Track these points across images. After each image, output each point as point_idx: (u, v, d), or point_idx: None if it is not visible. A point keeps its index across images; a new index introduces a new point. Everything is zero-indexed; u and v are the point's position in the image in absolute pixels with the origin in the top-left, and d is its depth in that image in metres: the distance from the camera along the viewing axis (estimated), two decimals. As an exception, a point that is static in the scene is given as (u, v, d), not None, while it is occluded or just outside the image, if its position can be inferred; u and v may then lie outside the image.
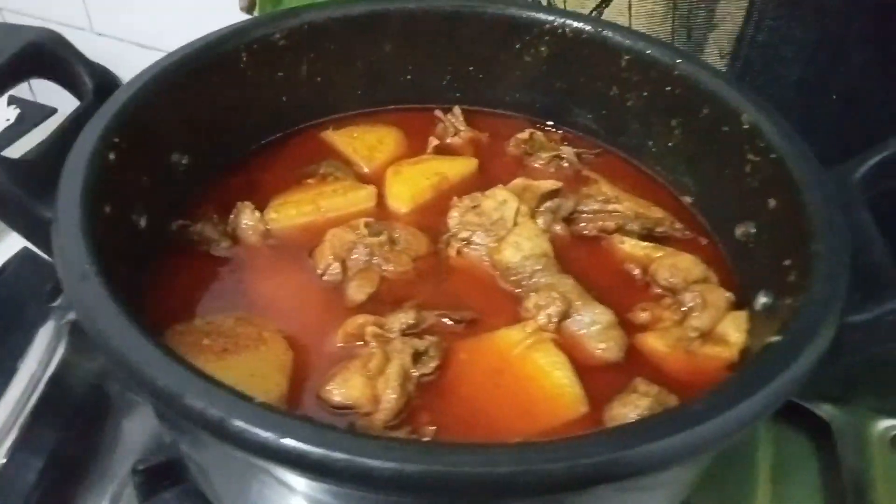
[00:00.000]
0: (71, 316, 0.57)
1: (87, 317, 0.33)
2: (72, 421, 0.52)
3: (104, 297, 0.33)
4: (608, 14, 0.70)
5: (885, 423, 0.57)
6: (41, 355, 0.54)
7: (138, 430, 0.55)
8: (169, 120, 0.49)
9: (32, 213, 0.42)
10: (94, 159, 0.40)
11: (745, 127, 0.48)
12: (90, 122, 0.42)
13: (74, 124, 0.46)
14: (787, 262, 0.42)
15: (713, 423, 0.29)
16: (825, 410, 0.56)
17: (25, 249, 0.62)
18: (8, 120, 0.98)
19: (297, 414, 0.37)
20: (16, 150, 0.93)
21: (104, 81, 0.49)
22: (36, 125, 0.99)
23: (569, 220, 0.54)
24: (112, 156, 0.42)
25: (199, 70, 0.51)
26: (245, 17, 0.92)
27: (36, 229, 0.42)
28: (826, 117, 0.68)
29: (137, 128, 0.45)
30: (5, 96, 1.00)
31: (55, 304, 0.59)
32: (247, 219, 0.51)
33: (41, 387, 0.52)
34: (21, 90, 1.09)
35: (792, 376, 0.31)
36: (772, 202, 0.46)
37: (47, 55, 0.47)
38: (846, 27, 0.64)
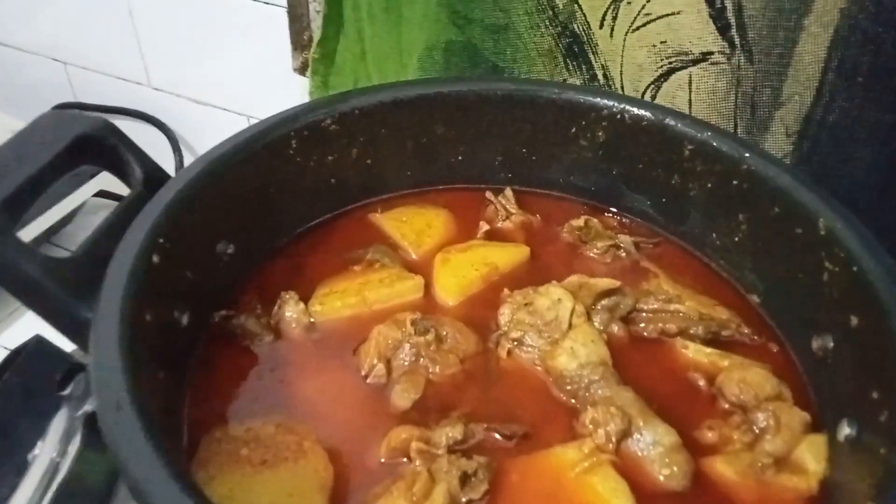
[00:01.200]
0: (87, 408, 0.55)
1: (119, 452, 0.31)
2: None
3: (137, 433, 0.31)
4: (667, 88, 0.68)
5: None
6: (54, 449, 0.52)
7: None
8: (216, 210, 0.48)
9: (73, 314, 0.41)
10: (137, 266, 0.39)
11: (822, 233, 0.45)
12: (134, 222, 0.42)
13: (120, 218, 0.45)
14: (875, 395, 0.38)
15: None
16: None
17: (38, 337, 0.61)
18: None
19: None
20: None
21: (153, 171, 0.48)
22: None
23: (626, 319, 0.51)
24: (156, 258, 0.41)
25: (248, 159, 0.50)
26: (296, 77, 0.92)
27: (76, 330, 0.41)
28: (902, 202, 0.65)
29: (183, 224, 0.44)
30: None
31: (66, 392, 0.58)
32: (290, 310, 0.50)
33: (56, 483, 0.50)
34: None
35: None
36: (854, 320, 0.42)
37: (100, 145, 0.47)
38: (924, 109, 0.61)
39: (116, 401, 0.32)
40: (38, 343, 0.64)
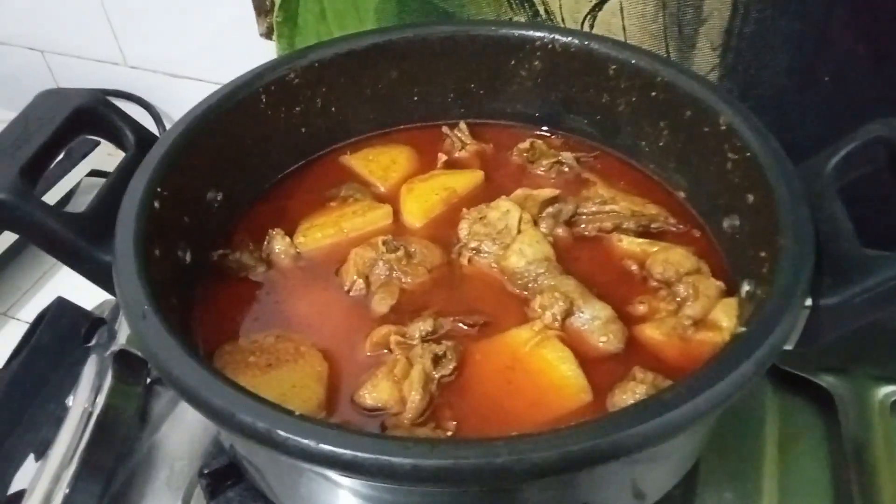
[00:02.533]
0: (114, 348, 0.63)
1: (149, 351, 0.39)
2: (123, 442, 0.59)
3: (163, 333, 0.39)
4: (602, 17, 0.74)
5: (885, 390, 0.60)
6: (88, 392, 0.60)
7: (187, 440, 0.61)
8: (202, 164, 0.55)
9: (94, 258, 0.48)
10: (142, 210, 0.46)
11: (723, 128, 0.52)
12: (134, 176, 0.49)
13: (120, 176, 0.52)
14: (762, 254, 0.46)
15: (679, 412, 0.34)
16: (827, 381, 0.60)
17: (60, 299, 0.69)
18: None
19: (330, 423, 0.42)
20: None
21: (143, 135, 0.55)
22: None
23: (570, 222, 0.58)
24: (157, 204, 0.48)
25: (225, 115, 0.56)
26: (263, 41, 0.98)
27: (98, 272, 0.49)
28: (819, 100, 0.71)
29: (175, 176, 0.51)
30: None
31: (91, 344, 0.66)
32: (278, 245, 0.57)
33: (94, 419, 0.58)
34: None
35: (754, 362, 0.36)
36: (750, 197, 0.50)
37: (94, 116, 0.54)
38: (827, 14, 0.67)
39: (142, 311, 0.40)
40: (59, 304, 0.72)
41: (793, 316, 0.39)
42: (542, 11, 0.76)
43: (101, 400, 0.62)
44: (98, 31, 1.11)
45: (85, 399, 0.63)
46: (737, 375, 0.35)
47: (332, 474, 0.38)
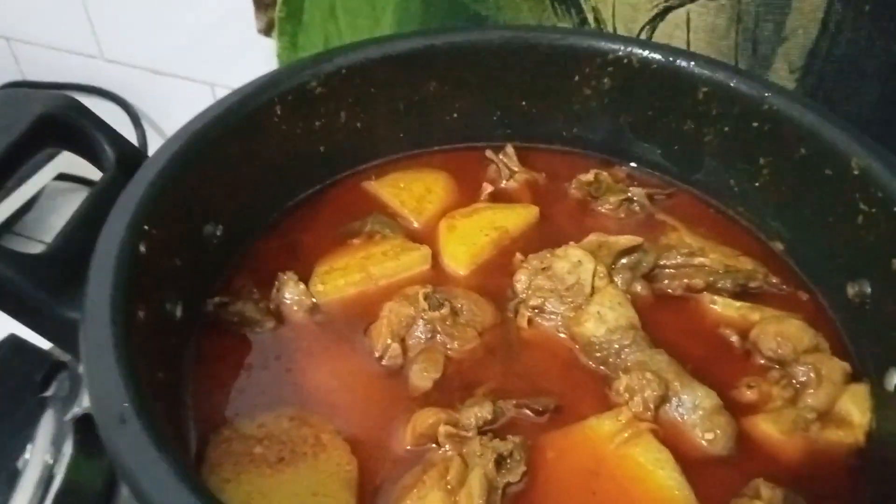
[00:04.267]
0: (76, 410, 0.51)
1: (127, 471, 0.27)
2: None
3: (146, 446, 0.28)
4: (663, 28, 0.64)
5: None
6: (46, 452, 0.49)
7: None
8: (200, 191, 0.44)
9: (56, 315, 0.37)
10: (123, 257, 0.35)
11: (856, 173, 0.42)
12: (114, 209, 0.37)
13: (96, 202, 0.41)
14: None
15: None
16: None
17: (13, 336, 0.57)
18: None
19: None
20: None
21: (125, 150, 0.43)
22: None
23: (649, 276, 0.48)
24: (143, 247, 0.37)
25: (229, 132, 0.45)
26: (259, 38, 0.86)
27: (60, 332, 0.37)
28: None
29: (168, 207, 0.40)
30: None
31: (48, 394, 0.54)
32: (291, 292, 0.46)
33: (53, 491, 0.47)
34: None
35: None
36: (895, 263, 0.40)
37: (64, 125, 0.42)
38: (935, 37, 0.58)
39: (120, 414, 0.28)
40: (13, 342, 0.59)
41: None
42: (590, 19, 0.66)
43: (60, 470, 0.50)
44: (72, 17, 0.99)
45: (41, 465, 0.51)
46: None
47: None
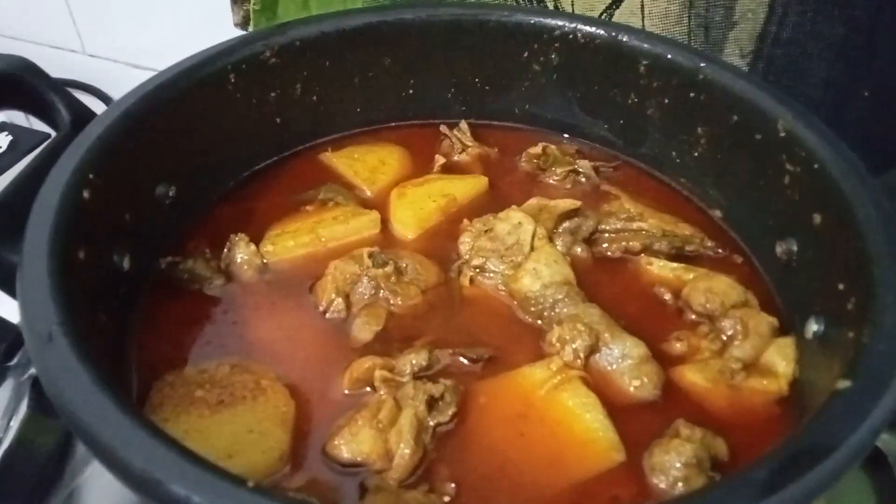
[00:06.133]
0: (32, 371, 0.52)
1: (53, 387, 0.28)
2: (37, 486, 0.48)
3: (72, 362, 0.29)
4: (619, 16, 0.66)
5: (944, 448, 0.52)
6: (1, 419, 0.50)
7: (117, 488, 0.50)
8: (152, 150, 0.45)
9: (2, 260, 0.38)
10: (66, 199, 0.36)
11: (782, 135, 0.44)
12: (61, 158, 0.39)
13: (48, 160, 0.42)
14: (841, 287, 0.37)
15: (784, 494, 0.25)
16: (880, 439, 0.51)
17: None
18: (0, 147, 0.94)
19: (294, 499, 0.32)
20: (7, 178, 0.89)
21: (80, 112, 0.45)
22: (29, 152, 0.95)
23: (590, 240, 0.50)
24: (87, 194, 0.38)
25: (183, 95, 0.47)
26: (240, 31, 0.88)
27: (7, 278, 0.38)
28: (857, 117, 0.64)
29: (116, 161, 0.41)
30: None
31: (12, 363, 0.55)
32: (241, 252, 0.47)
33: (1, 453, 0.47)
34: (15, 116, 1.06)
35: (869, 429, 0.27)
36: (817, 217, 0.41)
37: (18, 85, 0.44)
38: (876, 19, 0.60)
39: (49, 332, 0.30)
40: (-25, 315, 0.60)
41: (910, 366, 0.30)
42: (550, 6, 0.68)
43: (11, 432, 0.51)
44: (54, 12, 1.01)
45: (-6, 429, 0.51)
46: (851, 446, 0.26)
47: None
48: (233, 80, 0.50)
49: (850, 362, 0.31)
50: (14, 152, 0.96)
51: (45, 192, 0.37)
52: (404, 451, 0.36)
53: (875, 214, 0.36)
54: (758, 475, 0.26)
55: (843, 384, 0.30)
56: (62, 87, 0.46)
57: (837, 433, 0.27)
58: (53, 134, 0.98)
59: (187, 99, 0.47)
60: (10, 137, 0.97)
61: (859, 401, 0.28)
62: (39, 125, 1.04)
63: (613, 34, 0.52)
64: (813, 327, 0.40)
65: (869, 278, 0.34)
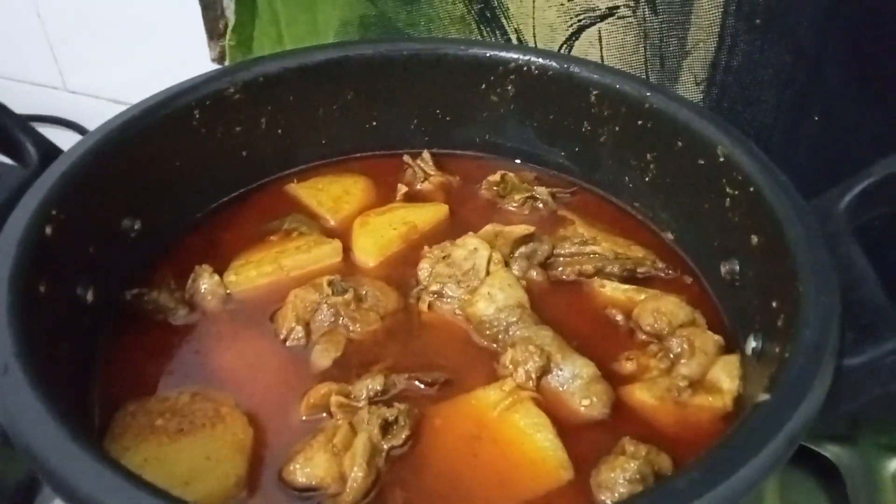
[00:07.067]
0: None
1: (7, 418, 0.30)
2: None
3: (27, 394, 0.30)
4: (578, 46, 0.69)
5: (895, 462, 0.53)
6: None
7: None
8: (116, 185, 0.47)
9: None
10: (28, 235, 0.38)
11: (721, 160, 0.46)
12: (25, 195, 0.40)
13: (18, 195, 0.43)
14: (774, 304, 0.39)
15: (703, 501, 0.26)
16: (831, 451, 0.53)
17: None
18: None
19: None
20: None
21: (48, 150, 0.46)
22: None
23: (545, 264, 0.51)
24: (49, 230, 0.40)
25: (149, 131, 0.48)
26: (217, 66, 0.90)
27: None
28: (808, 140, 0.66)
29: (79, 197, 0.43)
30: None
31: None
32: (205, 283, 0.49)
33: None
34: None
35: (785, 439, 0.28)
36: (754, 238, 0.43)
37: (-14, 125, 0.45)
38: (821, 47, 0.63)
39: (4, 364, 0.31)
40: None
41: (825, 378, 0.32)
42: (514, 40, 0.71)
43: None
44: (35, 50, 1.03)
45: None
46: (767, 455, 0.28)
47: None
48: (197, 116, 0.51)
49: (772, 376, 0.33)
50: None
51: (7, 228, 0.38)
52: (357, 475, 0.38)
53: (803, 235, 0.38)
54: (679, 485, 0.27)
55: (763, 397, 0.31)
56: (28, 123, 0.48)
57: (755, 442, 0.28)
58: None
59: (153, 135, 0.49)
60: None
61: (777, 412, 0.30)
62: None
63: (565, 66, 0.54)
64: (752, 344, 0.42)
65: (795, 295, 0.36)
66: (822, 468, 0.54)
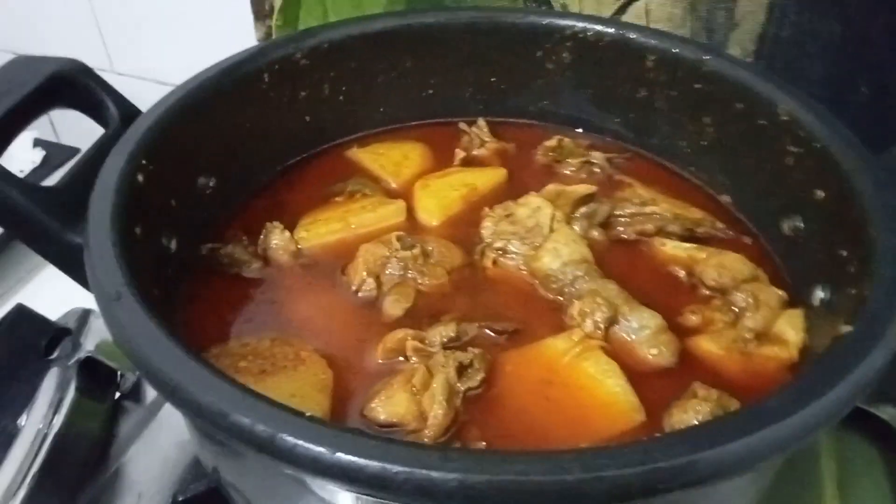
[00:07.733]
0: (80, 355, 0.55)
1: (124, 337, 0.31)
2: (85, 465, 0.51)
3: (140, 315, 0.32)
4: (625, 20, 0.70)
5: (951, 424, 0.54)
6: (45, 408, 0.52)
7: (159, 464, 0.53)
8: (194, 143, 0.48)
9: (63, 240, 0.41)
10: (124, 181, 0.40)
11: (784, 118, 0.47)
12: (117, 144, 0.42)
13: (100, 152, 0.45)
14: (843, 253, 0.40)
15: (796, 419, 0.27)
16: (888, 413, 0.54)
17: (20, 306, 0.61)
18: (34, 162, 0.99)
19: (350, 427, 0.35)
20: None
21: (128, 110, 0.48)
22: (60, 166, 1.00)
23: (605, 225, 0.52)
24: (140, 177, 0.41)
25: (222, 92, 0.50)
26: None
27: (67, 257, 0.41)
28: (856, 112, 0.67)
29: (164, 150, 0.44)
30: (31, 139, 1.01)
31: (53, 356, 0.58)
32: (276, 239, 0.50)
33: (50, 438, 0.50)
34: (45, 132, 1.11)
35: (873, 364, 0.29)
36: (819, 193, 0.44)
37: (71, 85, 0.47)
38: (871, 18, 0.63)
39: (117, 292, 0.32)
40: (19, 311, 0.63)
41: (906, 312, 0.32)
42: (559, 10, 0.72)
43: (60, 417, 0.54)
44: (84, 33, 1.06)
45: (41, 416, 0.54)
46: (855, 378, 0.29)
47: (351, 495, 0.30)
48: (267, 80, 0.53)
49: (852, 312, 0.34)
50: (46, 167, 1.01)
51: (105, 176, 0.40)
52: (437, 412, 0.39)
53: (872, 183, 0.39)
54: (771, 405, 0.28)
55: (845, 328, 0.32)
56: (113, 88, 0.49)
57: (843, 367, 0.29)
58: (82, 150, 1.02)
59: (226, 96, 0.50)
60: (43, 153, 1.02)
61: (862, 341, 0.31)
62: (69, 140, 1.08)
63: (621, 32, 0.55)
64: (819, 295, 0.43)
65: (868, 240, 0.36)
66: (879, 431, 0.54)
